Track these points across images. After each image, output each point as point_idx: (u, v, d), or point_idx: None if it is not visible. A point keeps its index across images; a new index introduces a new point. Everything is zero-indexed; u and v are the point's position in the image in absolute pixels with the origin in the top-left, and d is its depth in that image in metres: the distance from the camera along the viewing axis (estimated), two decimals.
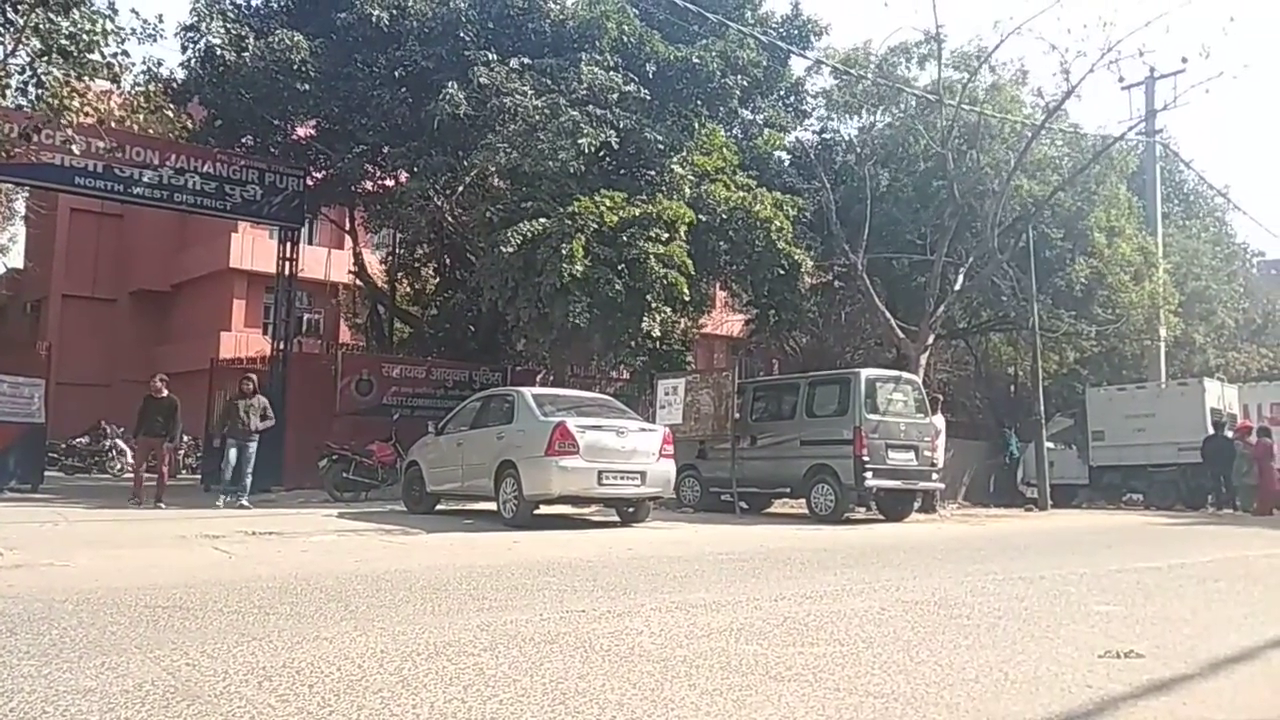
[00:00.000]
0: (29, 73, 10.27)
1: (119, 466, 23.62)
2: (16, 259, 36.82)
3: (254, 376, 14.62)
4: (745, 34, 17.75)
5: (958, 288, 18.99)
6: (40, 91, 10.31)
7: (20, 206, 30.04)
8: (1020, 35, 18.45)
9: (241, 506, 12.89)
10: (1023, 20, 17.88)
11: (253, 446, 13.39)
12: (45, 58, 10.15)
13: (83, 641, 4.25)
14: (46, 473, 18.21)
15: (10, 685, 3.43)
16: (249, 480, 13.41)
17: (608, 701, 3.31)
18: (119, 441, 24.11)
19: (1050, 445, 19.99)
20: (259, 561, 7.71)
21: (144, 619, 4.88)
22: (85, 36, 10.24)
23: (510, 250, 14.42)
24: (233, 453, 13.34)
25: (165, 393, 13.72)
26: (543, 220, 14.67)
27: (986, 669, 3.92)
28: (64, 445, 24.38)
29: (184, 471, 24.91)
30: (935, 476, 14.41)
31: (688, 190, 16.02)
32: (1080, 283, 20.41)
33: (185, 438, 25.05)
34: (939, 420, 15.36)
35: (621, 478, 11.25)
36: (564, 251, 14.16)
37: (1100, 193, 20.92)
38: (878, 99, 20.98)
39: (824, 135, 22.19)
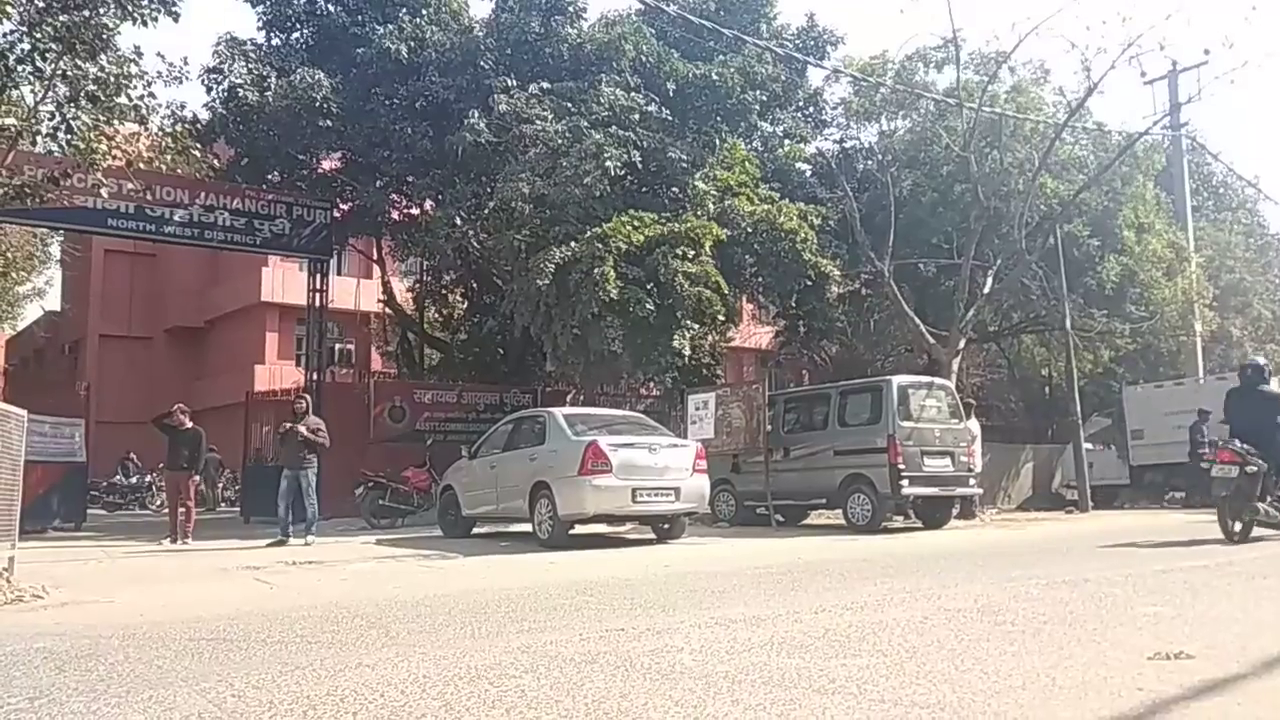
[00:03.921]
0: (58, 118, 10.47)
1: (159, 502, 23.92)
2: (53, 301, 37.50)
3: (307, 396, 13.84)
4: (762, 48, 17.80)
5: (987, 290, 18.84)
6: (69, 136, 10.50)
7: (55, 250, 30.59)
8: (1039, 36, 18.41)
9: (304, 542, 12.07)
10: (1040, 20, 17.83)
11: (304, 476, 12.52)
12: (73, 103, 10.35)
13: (129, 676, 4.29)
14: (89, 511, 18.46)
15: None
16: (310, 511, 12.51)
17: None
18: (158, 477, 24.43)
19: (1089, 446, 19.71)
20: (300, 591, 7.77)
21: (188, 652, 4.93)
22: (112, 81, 10.44)
23: (545, 282, 14.49)
24: (284, 484, 12.50)
25: (189, 424, 13.29)
26: (572, 244, 14.73)
27: (1033, 675, 3.86)
28: (105, 484, 24.74)
29: (222, 504, 25.20)
30: (973, 482, 14.25)
31: (711, 206, 16.05)
32: (1111, 281, 20.18)
33: (226, 471, 25.48)
34: (974, 425, 15.21)
35: (656, 494, 11.22)
36: (597, 276, 14.20)
37: (1127, 191, 20.71)
38: (897, 105, 20.95)
39: (844, 144, 22.18)
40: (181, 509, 13.03)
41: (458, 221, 16.92)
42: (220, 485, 25.85)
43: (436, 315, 24.65)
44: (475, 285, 22.15)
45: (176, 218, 16.66)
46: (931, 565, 8.63)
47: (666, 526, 11.97)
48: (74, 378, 32.32)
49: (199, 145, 15.92)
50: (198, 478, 14.04)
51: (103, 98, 10.45)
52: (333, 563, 9.97)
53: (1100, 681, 3.74)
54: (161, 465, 17.38)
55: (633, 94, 15.97)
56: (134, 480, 25.59)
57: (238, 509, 21.25)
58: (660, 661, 4.29)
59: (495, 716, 3.38)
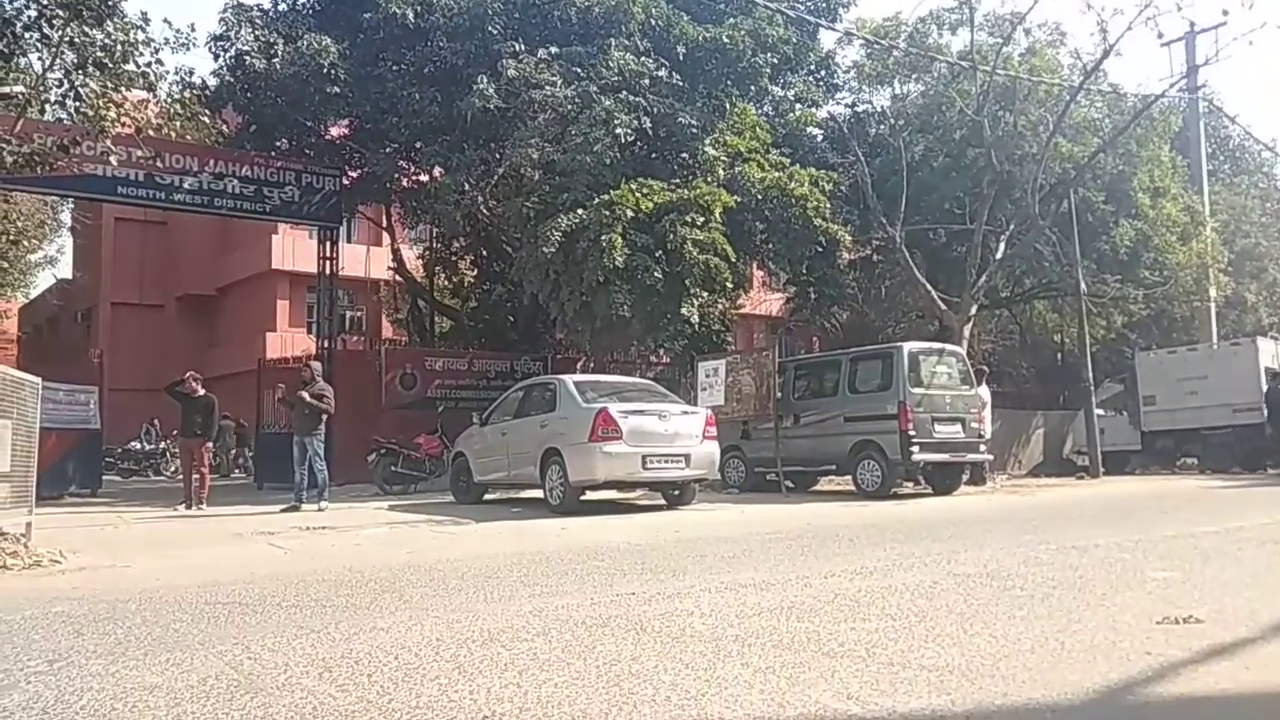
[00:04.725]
0: (66, 85, 10.44)
1: (173, 469, 24.13)
2: (65, 269, 37.64)
3: (314, 364, 13.76)
4: (773, 10, 17.57)
5: (999, 256, 18.73)
6: (78, 104, 10.48)
7: (66, 218, 30.69)
8: None
9: (317, 508, 12.16)
10: None
11: (311, 442, 12.51)
12: (81, 70, 10.31)
13: (147, 639, 4.35)
14: (104, 477, 18.64)
15: (80, 684, 3.52)
16: (320, 477, 12.54)
17: (661, 682, 3.32)
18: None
19: (1100, 412, 19.66)
20: (314, 556, 7.84)
21: (205, 615, 4.99)
22: (119, 47, 10.39)
23: (552, 250, 14.47)
24: (296, 450, 12.54)
25: (201, 391, 13.32)
26: (580, 211, 14.68)
27: (1042, 639, 3.88)
28: (120, 450, 24.96)
29: (236, 471, 25.42)
30: (983, 448, 14.25)
31: (721, 172, 15.94)
32: (1125, 246, 20.03)
33: (240, 438, 25.67)
34: (985, 391, 15.19)
35: (666, 461, 11.27)
36: (604, 243, 14.16)
37: (1142, 154, 20.50)
38: (910, 68, 20.73)
39: (856, 108, 22.00)
40: (196, 475, 13.11)
41: (466, 188, 16.84)
42: (233, 452, 26.05)
43: (446, 282, 24.64)
44: (485, 252, 22.12)
45: (186, 185, 16.65)
46: (941, 531, 8.65)
47: (677, 493, 12.02)
48: (87, 345, 32.52)
49: (207, 112, 15.91)
50: (211, 444, 14.12)
51: (110, 64, 10.41)
52: (346, 528, 10.06)
53: (1109, 645, 3.75)
54: (175, 432, 17.51)
55: (642, 58, 15.81)
56: (151, 447, 25.81)
57: (251, 475, 21.42)
58: (671, 625, 4.32)
59: (508, 679, 3.42)
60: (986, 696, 3.11)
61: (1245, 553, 6.61)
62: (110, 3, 10.32)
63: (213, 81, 17.61)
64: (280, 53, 16.43)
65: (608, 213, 14.49)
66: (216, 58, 17.44)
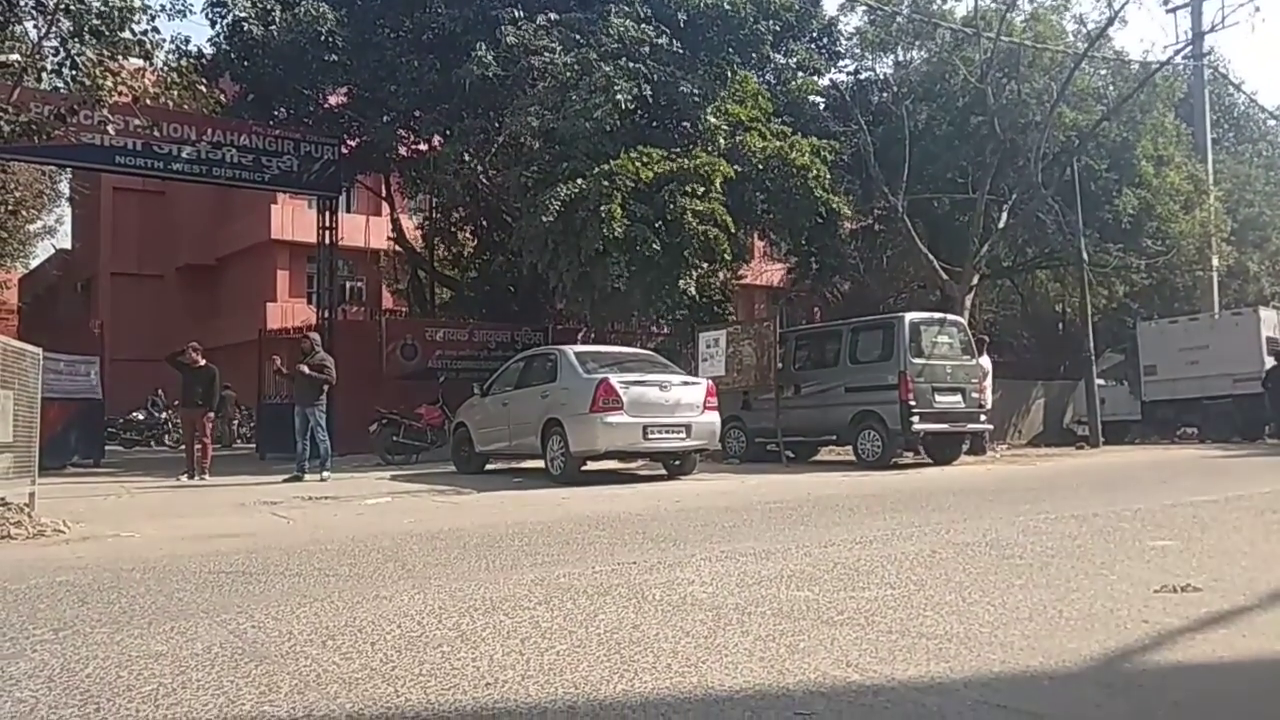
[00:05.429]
0: (62, 54, 10.36)
1: (175, 439, 24.19)
2: (64, 240, 37.52)
3: (313, 335, 13.75)
4: None
5: (1001, 225, 18.66)
6: (75, 72, 10.40)
7: (64, 188, 30.54)
8: None
9: (319, 478, 12.25)
10: None
11: (312, 413, 12.56)
12: (77, 38, 10.23)
13: (151, 608, 4.37)
14: (106, 447, 18.69)
15: (85, 652, 3.54)
16: (322, 448, 12.57)
17: (662, 650, 3.35)
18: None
19: (1101, 381, 19.68)
20: (317, 525, 7.87)
21: (209, 584, 5.01)
22: (115, 14, 10.30)
23: (550, 219, 14.41)
24: (298, 421, 12.61)
25: (202, 362, 13.33)
26: (579, 181, 14.60)
27: (1040, 608, 3.90)
28: (122, 420, 25.00)
29: (238, 441, 25.48)
30: (983, 418, 14.27)
31: (722, 141, 15.84)
32: (1128, 215, 19.95)
33: (241, 407, 25.72)
34: (986, 361, 15.19)
35: (667, 431, 11.30)
36: (603, 213, 14.11)
37: (1146, 122, 20.35)
38: (913, 35, 20.58)
39: (858, 76, 21.84)
40: (198, 445, 13.17)
41: (466, 158, 16.75)
42: (235, 422, 26.09)
43: (446, 253, 24.57)
44: (484, 222, 22.03)
45: (184, 154, 16.57)
46: (940, 500, 8.67)
47: (677, 463, 12.06)
48: (87, 315, 32.45)
49: (204, 81, 15.78)
50: (213, 415, 14.16)
51: (106, 32, 10.33)
52: (348, 498, 10.10)
53: (1106, 614, 3.77)
54: (177, 403, 17.54)
55: (643, 25, 15.66)
56: (160, 415, 25.86)
57: (253, 445, 21.48)
58: (671, 594, 4.34)
59: (510, 646, 3.44)
60: (985, 664, 3.13)
61: (1244, 522, 6.63)
62: None
63: (209, 49, 17.47)
64: (277, 19, 16.28)
65: (607, 183, 14.41)
66: (214, 24, 17.31)
